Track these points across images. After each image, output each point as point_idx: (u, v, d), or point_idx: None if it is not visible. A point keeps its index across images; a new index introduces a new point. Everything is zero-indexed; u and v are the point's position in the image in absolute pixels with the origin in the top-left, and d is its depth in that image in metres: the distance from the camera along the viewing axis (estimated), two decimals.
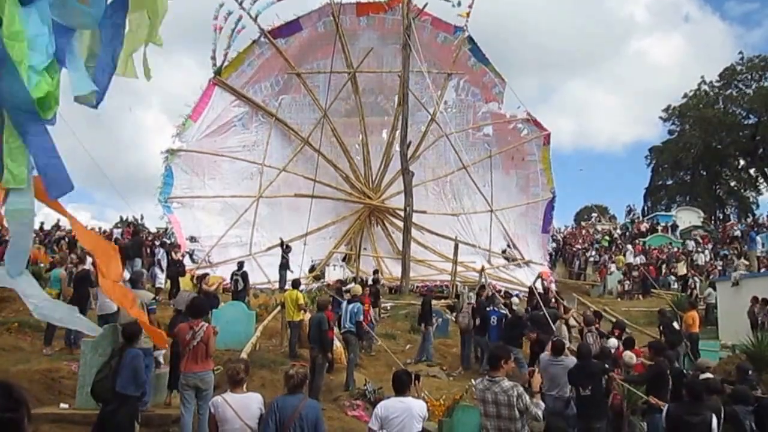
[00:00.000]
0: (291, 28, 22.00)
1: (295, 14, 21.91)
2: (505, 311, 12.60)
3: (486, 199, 22.78)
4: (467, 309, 13.27)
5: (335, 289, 15.55)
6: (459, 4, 21.43)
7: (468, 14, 21.97)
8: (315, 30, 22.37)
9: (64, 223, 28.29)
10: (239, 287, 15.38)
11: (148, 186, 21.01)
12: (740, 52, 49.59)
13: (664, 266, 26.67)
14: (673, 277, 24.95)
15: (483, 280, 17.77)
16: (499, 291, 17.96)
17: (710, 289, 18.98)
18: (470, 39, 23.03)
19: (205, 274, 15.53)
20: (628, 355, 8.54)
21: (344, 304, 11.84)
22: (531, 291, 15.49)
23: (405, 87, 21.13)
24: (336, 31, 21.87)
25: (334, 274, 20.37)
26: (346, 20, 22.30)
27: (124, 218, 33.94)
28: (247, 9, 20.51)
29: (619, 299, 23.55)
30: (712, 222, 44.36)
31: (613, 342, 10.24)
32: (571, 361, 7.79)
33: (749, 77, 47.87)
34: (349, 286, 14.83)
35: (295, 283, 13.39)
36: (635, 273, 24.67)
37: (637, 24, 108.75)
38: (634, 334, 14.86)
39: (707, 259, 27.32)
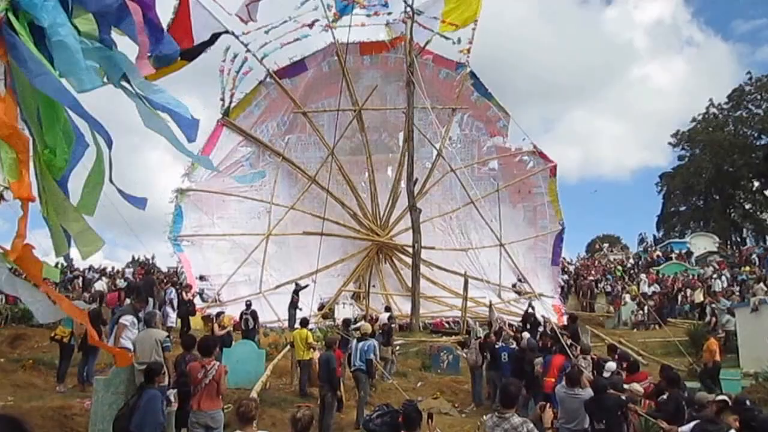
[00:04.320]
0: (297, 68, 22.40)
1: (301, 54, 22.31)
2: (515, 346, 12.41)
3: (494, 234, 22.72)
4: (474, 345, 13.11)
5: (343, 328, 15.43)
6: (459, 41, 21.82)
7: (469, 50, 22.32)
8: (320, 70, 22.76)
9: (78, 263, 28.65)
10: (249, 326, 15.38)
11: (157, 226, 21.34)
12: (748, 72, 49.41)
13: (680, 295, 26.23)
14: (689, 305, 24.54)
15: (492, 315, 17.58)
16: (511, 325, 17.76)
17: (729, 316, 18.57)
18: (472, 74, 23.34)
19: (220, 313, 15.53)
20: (635, 387, 8.36)
21: (353, 342, 11.75)
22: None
23: (410, 123, 21.35)
24: (341, 71, 22.22)
25: (344, 312, 20.24)
26: (350, 59, 22.63)
27: (136, 258, 34.21)
28: (253, 51, 20.98)
29: (634, 330, 23.12)
30: (729, 247, 43.70)
31: (610, 365, 10.04)
32: (589, 393, 7.64)
33: (759, 97, 47.54)
34: (358, 324, 14.71)
35: (304, 322, 13.36)
36: (651, 302, 24.26)
37: (637, 50, 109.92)
38: (651, 366, 14.72)
39: (725, 285, 26.82)
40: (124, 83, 4.21)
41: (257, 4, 18.44)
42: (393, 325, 16.70)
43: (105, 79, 4.08)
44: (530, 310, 16.98)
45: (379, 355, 14.60)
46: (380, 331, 15.16)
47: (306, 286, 19.51)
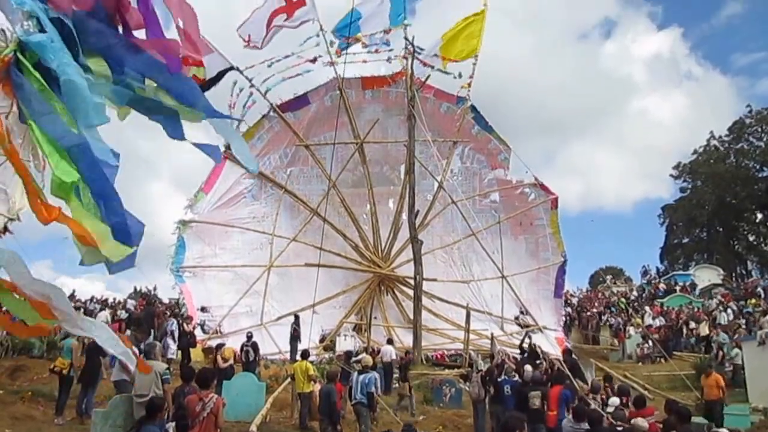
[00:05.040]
0: (299, 102, 22.77)
1: (304, 89, 22.68)
2: (517, 379, 12.25)
3: (496, 266, 22.66)
4: (476, 377, 12.96)
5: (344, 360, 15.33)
6: (460, 75, 22.13)
7: (469, 85, 22.59)
8: (322, 104, 23.10)
9: (79, 294, 28.71)
10: (250, 358, 15.30)
11: (159, 256, 21.52)
12: (748, 105, 49.88)
13: (685, 328, 25.99)
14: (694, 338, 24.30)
15: (494, 347, 17.41)
16: (514, 358, 17.57)
17: (736, 349, 18.40)
18: (473, 108, 23.53)
19: (221, 345, 15.45)
20: (640, 421, 8.24)
21: (354, 374, 11.64)
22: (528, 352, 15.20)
23: (411, 156, 21.53)
24: (343, 104, 22.51)
25: (345, 344, 20.12)
26: (352, 94, 23.03)
27: (138, 289, 34.14)
28: (257, 86, 21.34)
29: (640, 363, 22.84)
30: (733, 279, 43.38)
31: (614, 400, 9.92)
32: None
33: (759, 130, 47.72)
34: (359, 357, 14.59)
35: (305, 354, 13.28)
36: (655, 335, 24.03)
37: (636, 83, 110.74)
38: (657, 400, 14.49)
39: (730, 318, 26.59)
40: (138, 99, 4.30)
41: (267, 36, 19.07)
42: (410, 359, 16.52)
43: (116, 114, 4.21)
44: (527, 340, 16.87)
45: (396, 391, 14.44)
46: (398, 366, 14.87)
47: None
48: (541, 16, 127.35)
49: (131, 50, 4.15)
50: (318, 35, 20.91)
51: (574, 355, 15.76)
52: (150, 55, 4.23)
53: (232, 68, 20.01)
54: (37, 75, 3.59)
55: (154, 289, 32.06)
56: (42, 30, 3.65)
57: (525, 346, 16.04)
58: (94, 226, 3.83)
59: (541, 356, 15.08)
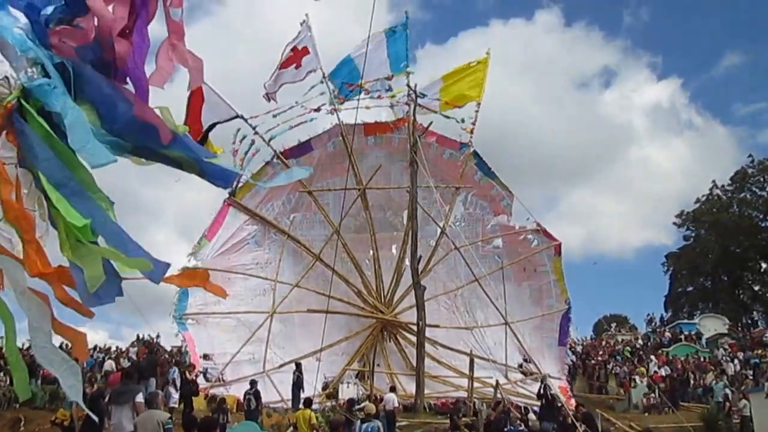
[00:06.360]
0: (302, 148, 23.10)
1: (307, 135, 23.03)
2: (523, 428, 12.10)
3: (500, 312, 22.53)
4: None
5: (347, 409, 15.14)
6: (463, 121, 22.57)
7: (472, 130, 23.00)
8: (325, 150, 23.41)
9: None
10: (252, 406, 15.15)
11: (162, 305, 21.50)
12: (750, 155, 50.24)
13: (692, 377, 25.60)
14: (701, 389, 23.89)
15: (498, 395, 17.21)
16: (519, 407, 17.33)
17: (744, 401, 18.13)
18: (476, 154, 23.81)
19: (223, 398, 15.34)
20: None
21: (357, 423, 11.53)
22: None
23: (414, 202, 21.71)
24: (345, 151, 22.85)
25: (348, 391, 19.85)
26: (355, 140, 23.27)
27: (141, 336, 33.80)
28: (261, 133, 21.75)
29: (646, 414, 22.39)
30: (739, 329, 42.83)
31: None
32: None
33: (762, 179, 47.95)
34: (362, 405, 14.42)
35: (308, 402, 13.14)
36: (661, 385, 23.63)
37: (637, 131, 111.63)
38: None
39: (737, 368, 26.22)
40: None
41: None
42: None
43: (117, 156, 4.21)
44: (542, 388, 16.59)
45: None
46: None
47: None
48: (542, 65, 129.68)
49: (123, 106, 4.19)
50: (322, 82, 21.49)
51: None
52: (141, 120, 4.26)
53: (237, 116, 20.55)
54: (41, 121, 3.62)
55: (157, 336, 31.76)
56: (46, 76, 3.67)
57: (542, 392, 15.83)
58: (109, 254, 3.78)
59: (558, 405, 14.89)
